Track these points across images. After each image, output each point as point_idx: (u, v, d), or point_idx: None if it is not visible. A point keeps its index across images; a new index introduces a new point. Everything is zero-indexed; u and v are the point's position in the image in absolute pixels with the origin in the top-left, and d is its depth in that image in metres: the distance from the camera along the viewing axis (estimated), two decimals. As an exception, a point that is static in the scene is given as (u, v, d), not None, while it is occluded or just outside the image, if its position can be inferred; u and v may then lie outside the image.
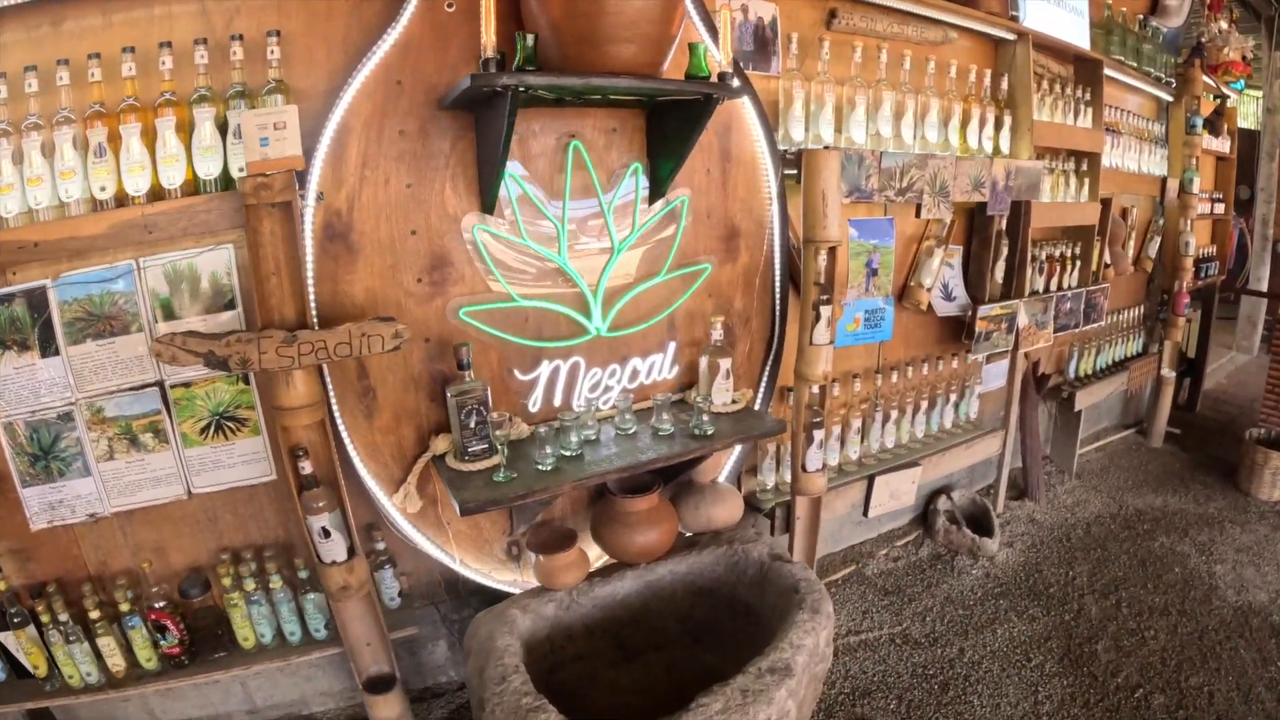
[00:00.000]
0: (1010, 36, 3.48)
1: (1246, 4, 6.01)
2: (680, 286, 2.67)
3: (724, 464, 2.85)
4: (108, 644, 2.20)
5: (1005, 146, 3.49)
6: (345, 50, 2.19)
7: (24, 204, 2.06)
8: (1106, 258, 4.30)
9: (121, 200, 2.09)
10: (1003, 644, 3.03)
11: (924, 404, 3.52)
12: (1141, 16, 4.49)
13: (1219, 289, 5.78)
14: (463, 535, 2.47)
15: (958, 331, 3.52)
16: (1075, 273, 4.02)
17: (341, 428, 2.27)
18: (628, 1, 1.99)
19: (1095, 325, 4.20)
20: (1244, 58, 5.13)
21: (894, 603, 3.26)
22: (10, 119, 2.03)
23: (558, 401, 2.51)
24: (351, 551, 2.21)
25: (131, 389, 2.20)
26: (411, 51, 2.20)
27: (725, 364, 2.59)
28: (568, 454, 2.33)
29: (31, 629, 2.17)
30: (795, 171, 2.72)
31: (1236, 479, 4.41)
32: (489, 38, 1.96)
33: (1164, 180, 4.89)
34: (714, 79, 2.25)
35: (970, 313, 3.42)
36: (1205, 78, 4.86)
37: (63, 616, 2.16)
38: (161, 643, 2.25)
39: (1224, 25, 5.09)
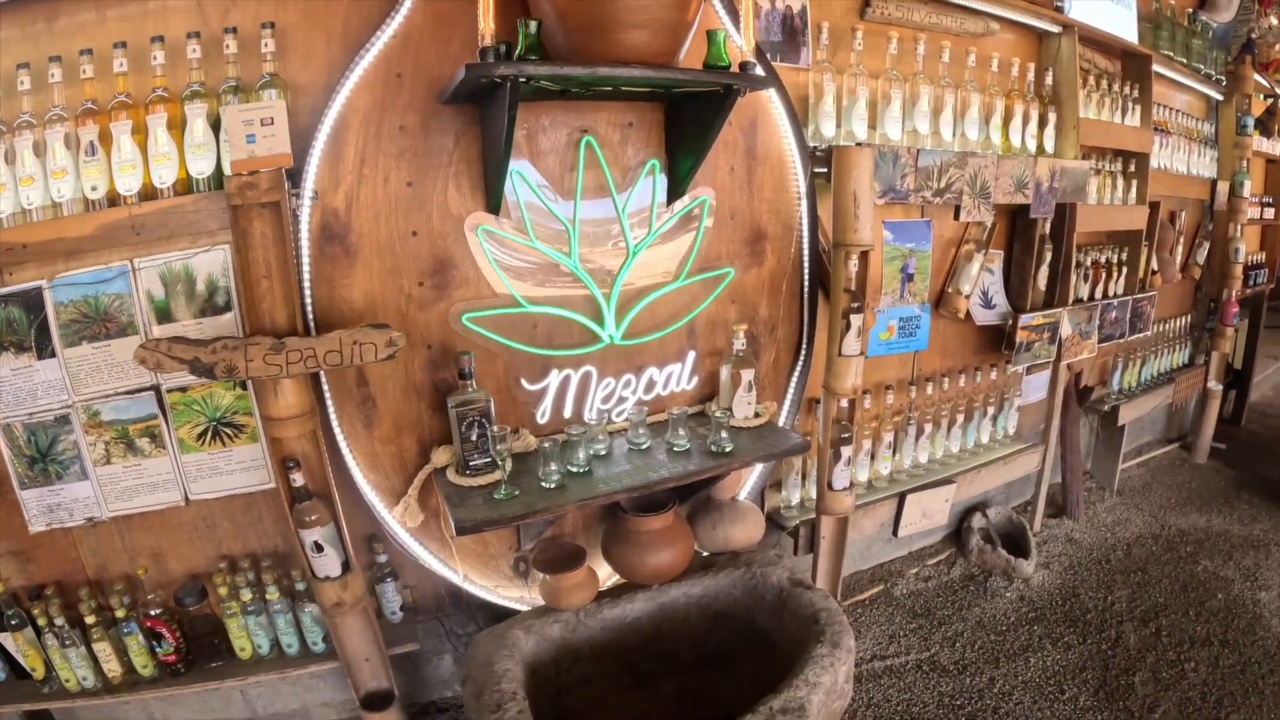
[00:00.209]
0: (1055, 29, 3.07)
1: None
2: (701, 292, 2.35)
3: (746, 480, 2.53)
4: (103, 649, 2.02)
5: (1049, 145, 3.08)
6: (345, 42, 1.95)
7: (16, 204, 1.86)
8: (1154, 264, 3.81)
9: (114, 200, 1.89)
10: (1035, 674, 2.67)
11: (960, 417, 3.13)
12: (1191, 10, 3.98)
13: (1268, 297, 5.17)
14: (467, 550, 2.21)
15: (997, 341, 3.12)
16: (1121, 280, 3.57)
17: (340, 437, 2.03)
18: (638, -17, 1.69)
19: (1141, 335, 3.74)
20: (1296, 55, 4.55)
21: (922, 626, 2.89)
22: (3, 117, 1.85)
23: (568, 413, 2.23)
24: (346, 567, 1.98)
25: (128, 393, 2.00)
26: (412, 42, 1.94)
27: (748, 375, 2.26)
28: (575, 470, 2.05)
29: (29, 631, 2.00)
30: (825, 170, 2.38)
31: (1284, 498, 3.88)
32: (487, 25, 1.69)
33: (1213, 183, 4.33)
34: (735, 69, 1.92)
35: (1011, 321, 3.01)
36: (1257, 76, 4.33)
37: (59, 620, 1.98)
38: (158, 650, 2.06)
39: (1275, 21, 4.52)
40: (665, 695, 2.28)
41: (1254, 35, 4.34)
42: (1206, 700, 2.52)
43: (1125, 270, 3.57)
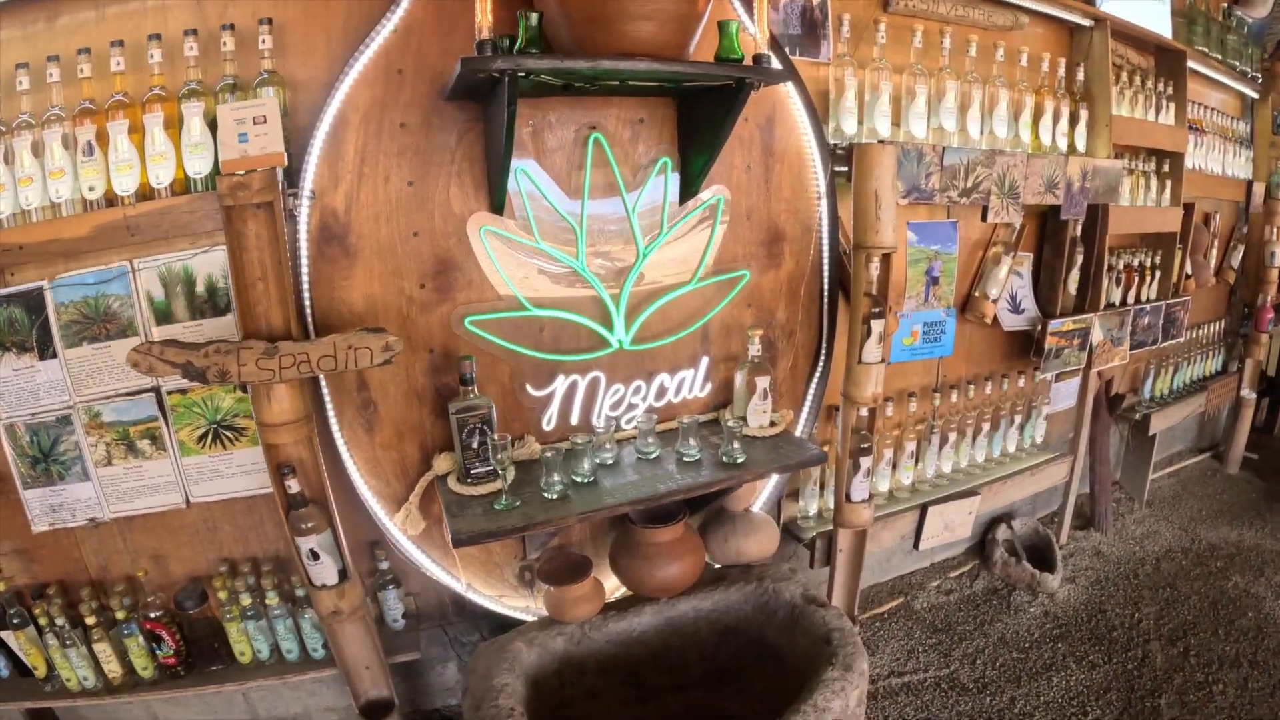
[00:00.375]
0: (1086, 22, 2.80)
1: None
2: (715, 295, 2.15)
3: (761, 490, 2.32)
4: (104, 650, 1.92)
5: (1081, 144, 2.82)
6: (346, 37, 1.80)
7: (16, 205, 1.75)
8: (1187, 268, 3.50)
9: (112, 201, 1.77)
10: (1058, 694, 2.44)
11: (986, 426, 2.88)
12: (1226, 5, 3.64)
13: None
14: (471, 558, 2.05)
15: (1025, 347, 2.86)
16: (1154, 284, 3.27)
17: (340, 442, 1.89)
18: (643, -29, 1.50)
19: (1174, 342, 3.44)
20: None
21: (943, 641, 2.66)
22: (3, 118, 1.74)
23: (575, 419, 2.06)
24: (343, 575, 1.84)
25: (128, 394, 1.88)
26: (413, 37, 1.78)
27: (763, 382, 2.06)
28: (579, 480, 1.87)
29: (31, 630, 1.90)
30: (846, 169, 2.16)
31: (1318, 512, 3.54)
32: (484, 18, 1.53)
33: (1249, 184, 3.97)
34: (749, 62, 1.72)
35: (1040, 327, 2.75)
36: (1294, 73, 3.94)
37: (59, 620, 1.88)
38: (158, 652, 1.94)
39: (1313, 17, 4.13)
40: (673, 710, 2.10)
41: (1291, 31, 3.98)
42: (1233, 725, 2.26)
43: (1158, 274, 3.27)
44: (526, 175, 1.87)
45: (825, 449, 2.51)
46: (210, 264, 1.83)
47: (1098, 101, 2.80)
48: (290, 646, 1.99)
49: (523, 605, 2.14)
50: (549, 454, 1.80)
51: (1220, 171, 3.70)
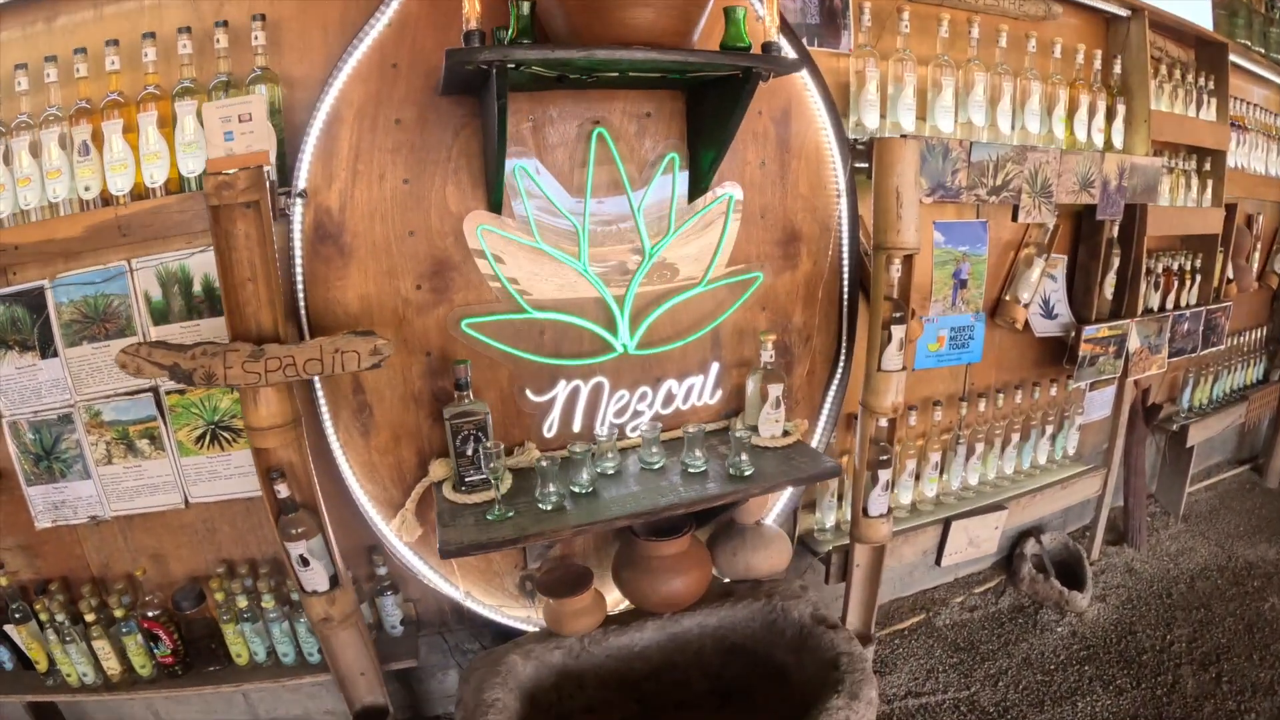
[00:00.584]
0: (1123, 12, 2.53)
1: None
2: (727, 298, 1.97)
3: (774, 502, 2.13)
4: (103, 648, 1.86)
5: (1118, 140, 2.55)
6: (343, 32, 1.68)
7: (15, 205, 1.67)
8: (1229, 272, 3.17)
9: (108, 200, 1.68)
10: (1083, 721, 2.19)
11: (1015, 436, 2.63)
12: (1270, -4, 3.29)
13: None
14: (470, 566, 1.92)
15: (1058, 354, 2.60)
16: (1194, 289, 2.97)
17: (336, 445, 1.77)
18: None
19: (1214, 349, 3.13)
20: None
21: (964, 661, 2.43)
22: (2, 118, 1.67)
23: (578, 426, 1.90)
24: (334, 581, 1.71)
25: (127, 393, 1.80)
26: (408, 30, 1.65)
27: (776, 390, 1.88)
28: (578, 491, 1.72)
29: (33, 625, 1.85)
30: (867, 165, 1.94)
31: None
32: (472, 7, 1.38)
33: (1293, 183, 3.60)
34: (758, 50, 1.53)
35: (1074, 334, 2.49)
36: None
37: (59, 617, 1.82)
38: (156, 651, 1.85)
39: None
40: (675, 730, 1.93)
41: (1336, 23, 3.58)
42: (1265, 758, 2.02)
43: (1199, 278, 2.98)
44: (526, 172, 1.72)
45: (844, 459, 2.31)
46: (207, 264, 1.73)
47: (1135, 96, 2.53)
48: (286, 650, 1.89)
49: (524, 615, 2.00)
50: (544, 463, 1.65)
51: (1264, 171, 3.36)
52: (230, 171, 1.49)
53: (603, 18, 1.44)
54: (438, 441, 1.82)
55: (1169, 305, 2.86)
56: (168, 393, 1.79)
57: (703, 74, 1.60)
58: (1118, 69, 2.53)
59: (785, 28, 1.85)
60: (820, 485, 2.32)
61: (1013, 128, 2.25)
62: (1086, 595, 2.66)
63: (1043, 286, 2.48)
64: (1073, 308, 2.60)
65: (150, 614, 1.82)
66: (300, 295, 1.68)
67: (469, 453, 1.69)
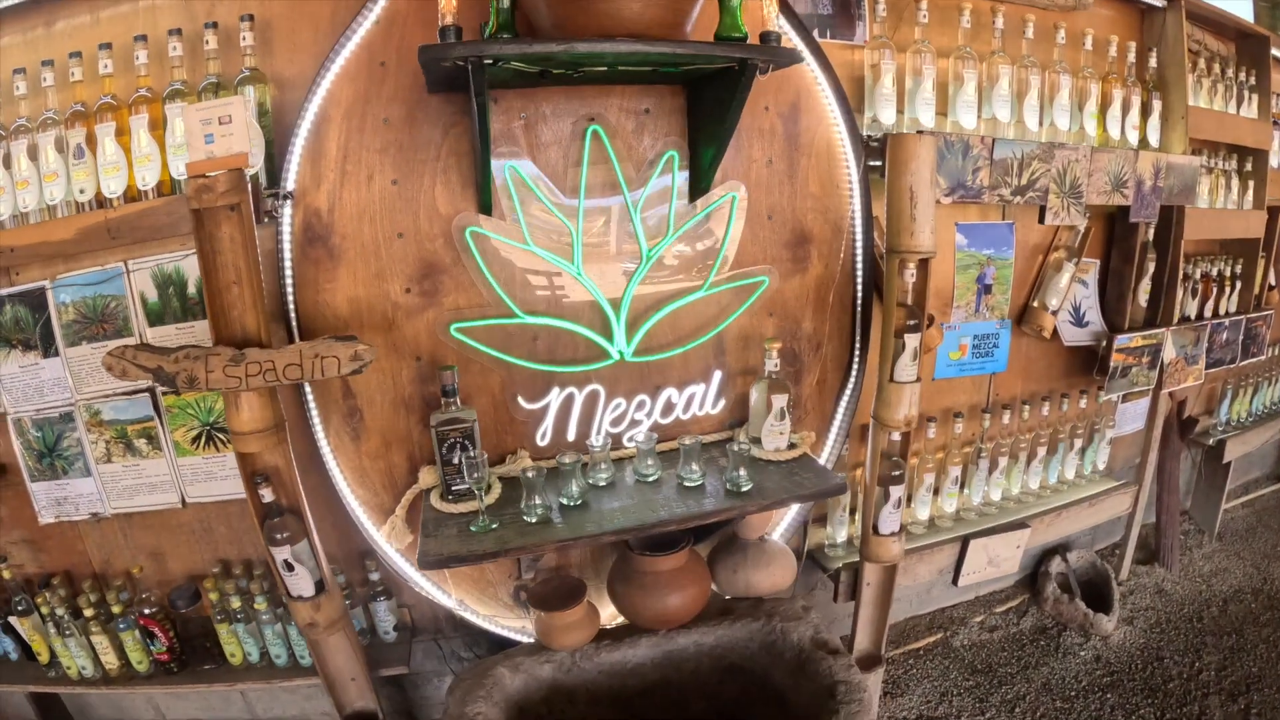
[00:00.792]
0: (1159, 2, 2.30)
1: None
2: (731, 302, 1.83)
3: (780, 516, 1.98)
4: (101, 643, 1.83)
5: (1154, 138, 2.32)
6: (333, 30, 1.61)
7: (15, 208, 1.64)
8: (1271, 278, 2.90)
9: (102, 202, 1.63)
10: (1100, 753, 2.00)
11: (1041, 450, 2.40)
12: (1314, -12, 2.96)
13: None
14: (462, 575, 1.84)
15: (1089, 364, 2.38)
16: (1234, 296, 2.71)
17: (326, 449, 1.70)
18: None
19: (1255, 360, 2.86)
20: None
21: (980, 684, 2.24)
22: (1, 122, 1.65)
23: (572, 435, 1.79)
24: (320, 587, 1.63)
25: (125, 393, 1.77)
26: (396, 27, 1.56)
27: (780, 401, 1.73)
28: (567, 503, 1.60)
29: (36, 617, 1.83)
30: (881, 163, 1.76)
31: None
32: (448, 1, 1.25)
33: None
34: (756, 41, 1.39)
35: (1105, 343, 2.26)
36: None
37: (59, 611, 1.80)
38: (152, 648, 1.82)
39: None
40: (670, 751, 1.81)
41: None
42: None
43: (1239, 285, 2.71)
44: (517, 172, 1.60)
45: (858, 472, 2.14)
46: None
47: (1172, 91, 2.30)
48: (279, 652, 1.83)
49: (519, 626, 1.91)
50: (530, 474, 1.55)
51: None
52: (210, 174, 1.42)
53: (586, 9, 1.31)
54: (428, 447, 1.73)
55: (1207, 313, 2.61)
56: (164, 393, 1.74)
57: (698, 67, 1.46)
58: (1153, 62, 2.30)
59: (792, 17, 1.69)
60: (830, 499, 2.16)
61: (1041, 124, 2.05)
62: (1113, 618, 2.44)
63: (1073, 292, 2.26)
64: (1105, 315, 2.36)
65: (147, 611, 1.79)
66: (290, 298, 1.61)
67: (455, 461, 1.60)
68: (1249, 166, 2.68)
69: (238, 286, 1.49)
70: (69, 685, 1.82)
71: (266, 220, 1.59)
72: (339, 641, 1.73)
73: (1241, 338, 2.69)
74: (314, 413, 1.67)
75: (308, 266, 1.61)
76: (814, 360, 1.96)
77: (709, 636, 1.80)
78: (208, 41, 1.56)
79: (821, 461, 2.00)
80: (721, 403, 1.89)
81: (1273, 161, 2.70)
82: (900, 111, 1.92)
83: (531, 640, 1.85)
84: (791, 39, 1.73)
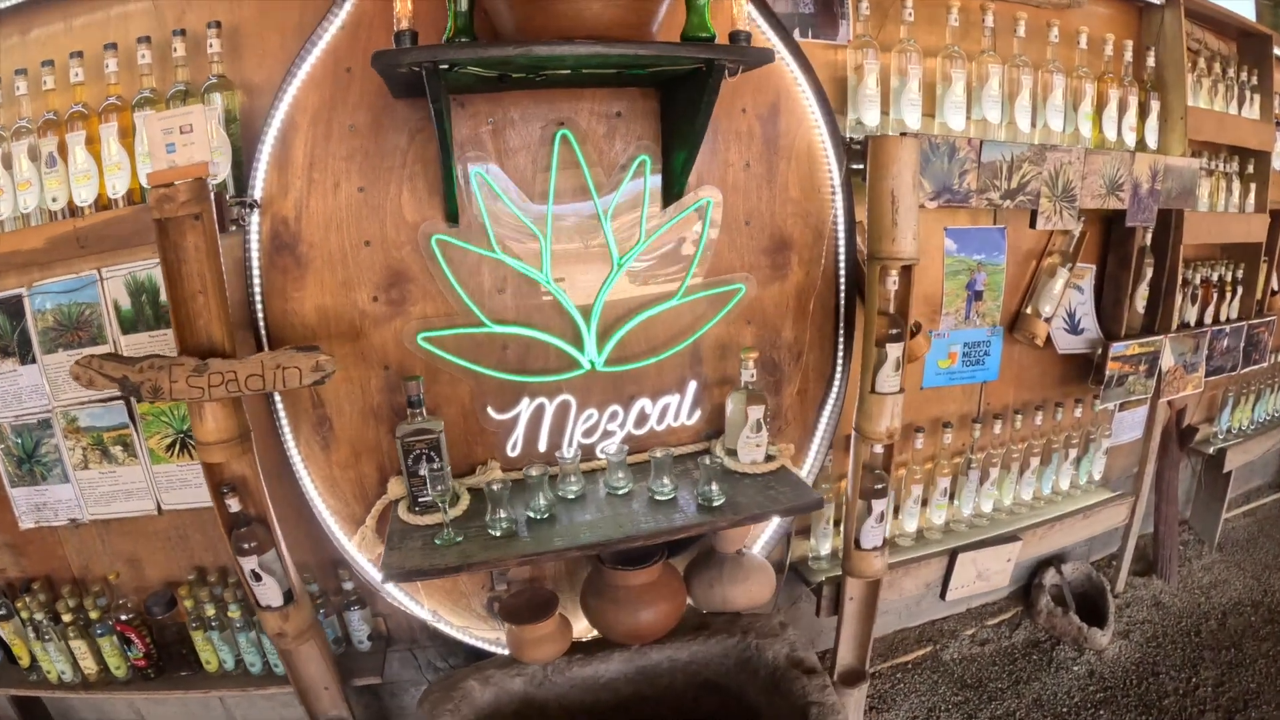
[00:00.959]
0: (1157, 0, 2.15)
1: None
2: (707, 311, 1.75)
3: (761, 529, 1.89)
4: (80, 647, 1.81)
5: (1151, 139, 2.20)
6: (300, 36, 1.57)
7: (-7, 216, 1.60)
8: (1274, 283, 2.76)
9: (74, 211, 1.60)
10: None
11: (1035, 460, 2.29)
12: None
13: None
14: (435, 586, 1.80)
15: (1084, 371, 2.27)
16: (1235, 302, 2.57)
17: (297, 459, 1.66)
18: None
19: (1256, 367, 2.73)
20: None
21: (969, 700, 2.15)
22: None
23: (543, 446, 1.74)
24: (289, 597, 1.58)
25: (101, 400, 1.75)
26: (362, 31, 1.51)
27: (756, 412, 1.66)
28: (534, 517, 1.54)
29: (16, 622, 1.82)
30: (864, 166, 1.67)
31: None
32: (404, 5, 1.19)
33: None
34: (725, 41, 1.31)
35: (1100, 351, 2.15)
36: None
37: (38, 616, 1.78)
38: (129, 654, 1.79)
39: None
40: (643, 767, 1.74)
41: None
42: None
43: (1240, 290, 2.57)
44: (484, 178, 1.54)
45: (842, 484, 2.06)
46: (171, 273, 1.62)
47: (1170, 91, 2.18)
48: (253, 660, 1.80)
49: (494, 637, 1.85)
50: (495, 487, 1.49)
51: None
52: (172, 184, 1.38)
53: (546, 10, 1.25)
54: (398, 458, 1.67)
55: (1207, 319, 2.48)
56: (138, 400, 1.70)
57: (665, 69, 1.39)
58: (1151, 62, 2.18)
59: (769, 16, 1.61)
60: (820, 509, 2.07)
61: (1033, 125, 1.94)
62: (1107, 632, 2.33)
63: (1067, 299, 2.15)
64: (1101, 322, 2.25)
65: (124, 617, 1.77)
66: (259, 307, 1.57)
67: (422, 473, 1.54)
68: (1251, 169, 2.54)
69: (203, 296, 1.45)
70: (49, 689, 1.82)
71: (234, 229, 1.55)
72: (310, 651, 1.69)
73: (1243, 344, 2.56)
74: (284, 422, 1.63)
75: (276, 275, 1.57)
76: (795, 369, 1.88)
77: (683, 652, 1.73)
78: (176, 49, 1.52)
79: (803, 473, 1.92)
80: (698, 413, 1.82)
81: (1275, 164, 2.56)
82: (885, 113, 1.83)
83: (506, 652, 1.79)
84: (769, 39, 1.66)
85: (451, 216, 1.55)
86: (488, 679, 1.68)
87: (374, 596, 1.85)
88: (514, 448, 1.71)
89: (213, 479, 1.54)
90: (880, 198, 1.61)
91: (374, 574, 1.75)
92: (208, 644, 1.80)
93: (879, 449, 1.79)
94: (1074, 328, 2.22)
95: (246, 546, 1.56)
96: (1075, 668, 2.28)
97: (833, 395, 1.93)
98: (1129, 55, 2.12)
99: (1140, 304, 2.23)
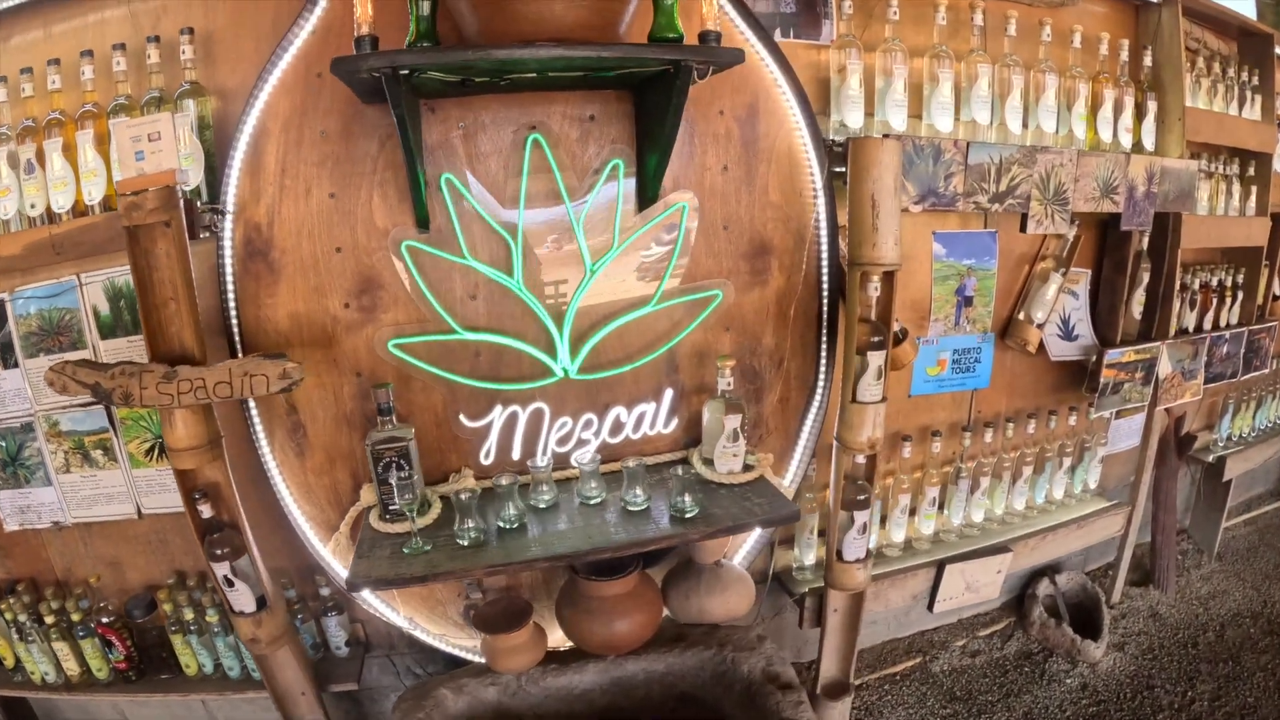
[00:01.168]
0: None
1: None
2: (684, 317, 1.70)
3: (741, 538, 1.84)
4: (62, 649, 1.81)
5: (1149, 141, 2.11)
6: (274, 42, 1.52)
7: (-25, 222, 1.60)
8: (1276, 288, 2.65)
9: (52, 218, 1.59)
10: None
11: (1027, 469, 2.21)
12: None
13: None
14: (411, 593, 1.77)
15: (1080, 378, 2.18)
16: (1236, 307, 2.47)
17: (273, 465, 1.65)
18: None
19: (1258, 373, 2.62)
20: None
21: (958, 713, 2.08)
22: None
23: (517, 454, 1.69)
24: (262, 603, 1.55)
25: (82, 405, 1.72)
26: (333, 37, 1.49)
27: (733, 422, 1.60)
28: (504, 526, 1.50)
29: (1, 622, 1.81)
30: (846, 169, 1.61)
31: None
32: (363, 10, 1.17)
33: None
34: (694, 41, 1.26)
35: (1095, 358, 2.06)
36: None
37: (21, 617, 1.78)
38: (110, 656, 1.78)
39: None
40: (617, 779, 1.70)
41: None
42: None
43: (1241, 295, 2.47)
44: (454, 184, 1.50)
45: (825, 493, 1.99)
46: (148, 279, 1.60)
47: (1168, 91, 2.08)
48: (231, 664, 1.78)
49: (471, 644, 1.81)
50: (463, 496, 1.46)
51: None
52: (141, 191, 1.36)
53: (507, 12, 1.21)
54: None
55: (1207, 325, 2.38)
56: (111, 406, 1.69)
57: (631, 71, 1.34)
58: (1148, 61, 2.08)
59: (747, 15, 1.56)
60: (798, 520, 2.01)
61: (1025, 126, 1.86)
62: (1101, 645, 2.24)
63: (1061, 304, 2.07)
64: (1096, 328, 2.16)
65: (105, 620, 1.77)
66: (233, 313, 1.55)
67: (392, 481, 1.51)
68: (1251, 171, 2.44)
69: (174, 303, 1.44)
70: (34, 690, 1.82)
71: (207, 235, 1.53)
72: (285, 656, 1.67)
73: (1243, 351, 2.45)
74: (259, 428, 1.61)
75: (249, 281, 1.54)
76: (776, 377, 1.82)
77: (659, 664, 1.69)
78: (150, 56, 1.51)
79: (786, 483, 1.86)
80: (675, 422, 1.76)
81: (1277, 166, 2.44)
82: (869, 114, 1.76)
83: (482, 660, 1.76)
84: (747, 39, 1.60)
85: (422, 223, 1.51)
86: (461, 688, 1.65)
87: (352, 603, 1.83)
88: (487, 455, 1.68)
89: (185, 485, 1.52)
90: (861, 202, 1.55)
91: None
92: (187, 648, 1.79)
93: (861, 459, 1.73)
94: (1068, 334, 2.13)
95: (219, 552, 1.54)
96: (1068, 680, 2.19)
97: (815, 403, 1.87)
98: (1125, 55, 2.03)
99: (1137, 310, 2.14)
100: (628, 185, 1.59)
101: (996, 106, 1.85)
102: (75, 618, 1.75)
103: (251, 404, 1.61)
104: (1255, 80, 2.38)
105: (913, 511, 2.11)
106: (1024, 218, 1.84)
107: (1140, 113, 2.06)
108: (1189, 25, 2.13)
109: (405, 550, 1.47)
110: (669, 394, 1.74)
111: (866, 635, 2.29)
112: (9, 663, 1.83)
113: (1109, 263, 2.13)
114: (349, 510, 1.66)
